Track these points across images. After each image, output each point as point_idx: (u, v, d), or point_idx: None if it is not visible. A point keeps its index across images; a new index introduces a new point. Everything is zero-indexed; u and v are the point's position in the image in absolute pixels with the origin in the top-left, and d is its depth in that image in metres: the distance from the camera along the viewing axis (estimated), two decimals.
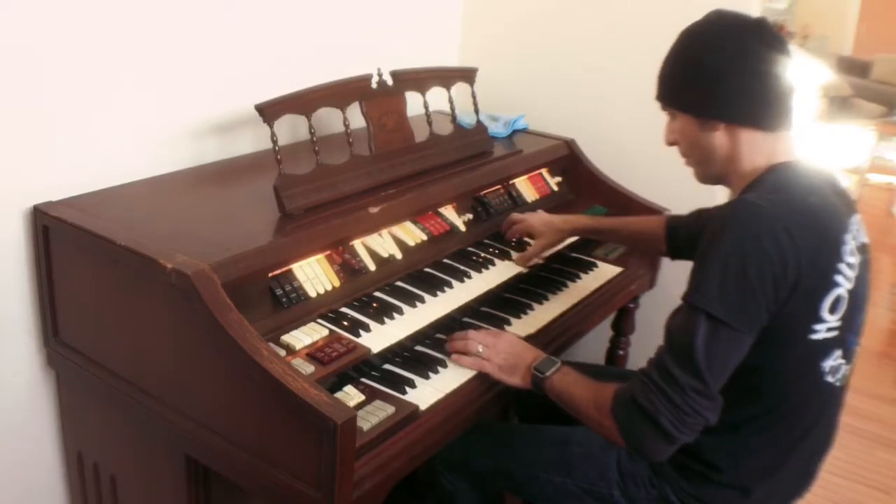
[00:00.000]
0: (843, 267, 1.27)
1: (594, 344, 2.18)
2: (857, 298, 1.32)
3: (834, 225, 1.29)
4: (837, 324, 1.29)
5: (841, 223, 1.31)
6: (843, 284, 1.28)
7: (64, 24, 1.50)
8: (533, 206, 2.05)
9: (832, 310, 1.27)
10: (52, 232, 1.49)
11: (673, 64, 1.39)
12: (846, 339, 1.33)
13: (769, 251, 1.20)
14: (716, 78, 1.32)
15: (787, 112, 1.34)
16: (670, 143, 1.45)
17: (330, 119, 1.88)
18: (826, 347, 1.30)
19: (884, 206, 5.82)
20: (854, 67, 8.08)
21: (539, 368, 1.47)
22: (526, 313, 1.74)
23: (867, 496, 2.58)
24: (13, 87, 1.45)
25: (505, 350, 1.52)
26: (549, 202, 2.11)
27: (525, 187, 2.07)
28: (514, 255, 1.85)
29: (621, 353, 2.19)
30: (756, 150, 1.35)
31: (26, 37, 1.45)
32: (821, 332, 1.28)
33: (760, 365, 1.30)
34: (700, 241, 1.29)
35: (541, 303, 1.80)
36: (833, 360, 1.32)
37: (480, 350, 1.51)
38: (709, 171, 1.43)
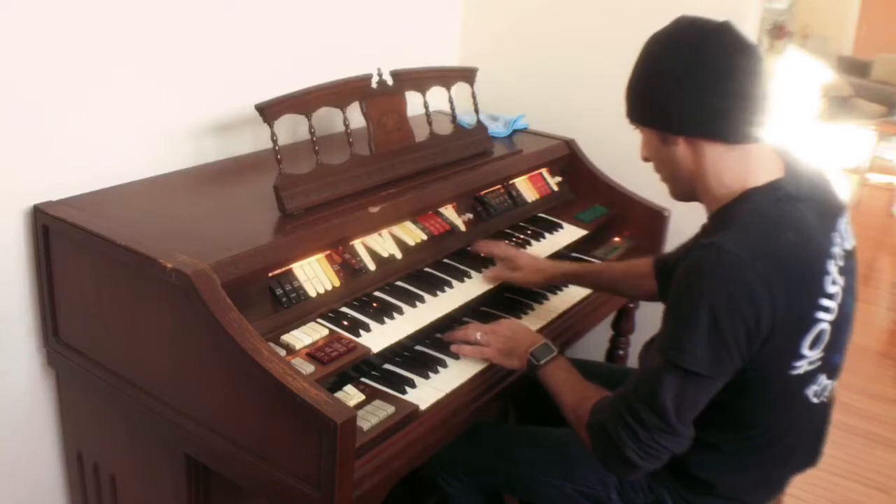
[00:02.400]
0: (825, 301, 1.24)
1: (594, 344, 2.18)
2: (842, 320, 1.30)
3: (814, 260, 1.24)
4: (820, 356, 1.27)
5: (823, 251, 1.25)
6: (825, 318, 1.25)
7: (64, 24, 1.50)
8: (533, 206, 2.05)
9: (813, 345, 1.25)
10: (52, 232, 1.49)
11: (633, 76, 1.33)
12: (830, 362, 1.31)
13: (742, 305, 1.16)
14: (670, 88, 1.25)
15: (754, 122, 1.24)
16: (644, 159, 1.38)
17: (330, 119, 1.88)
18: (809, 377, 1.29)
19: (884, 206, 5.82)
20: (854, 67, 8.07)
21: (535, 354, 1.47)
22: (526, 313, 1.75)
23: (867, 496, 2.58)
24: (13, 87, 1.45)
25: (503, 333, 1.53)
26: (549, 202, 2.12)
27: (525, 187, 2.07)
28: (486, 272, 1.75)
29: (621, 352, 2.19)
30: (723, 165, 1.27)
31: (26, 36, 1.45)
32: (802, 367, 1.26)
33: (744, 400, 1.29)
34: (672, 285, 1.25)
35: (541, 302, 1.80)
36: (818, 385, 1.31)
37: (479, 337, 1.52)
38: (678, 188, 1.37)
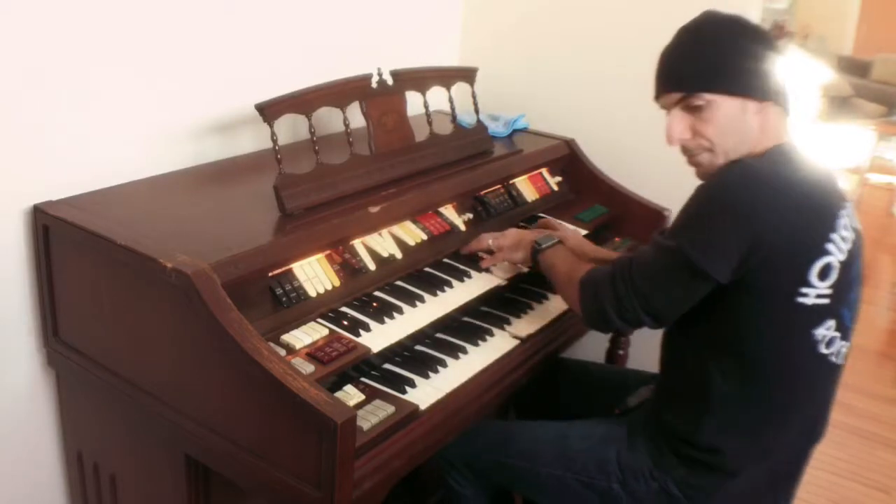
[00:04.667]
0: (836, 237, 1.30)
1: (594, 344, 2.18)
2: (850, 273, 1.34)
3: (830, 199, 1.33)
4: (828, 291, 1.31)
5: (838, 199, 1.35)
6: (835, 254, 1.30)
7: (64, 23, 1.50)
8: (533, 206, 2.05)
9: (822, 276, 1.29)
10: (52, 231, 1.50)
11: (702, 50, 1.37)
12: (839, 310, 1.34)
13: (751, 209, 1.26)
14: (753, 58, 1.35)
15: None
16: (681, 142, 1.40)
17: (330, 119, 1.88)
18: (817, 314, 1.32)
19: (884, 206, 5.82)
20: (854, 67, 8.07)
21: (538, 241, 1.66)
22: (526, 313, 1.75)
23: (867, 496, 2.58)
24: (13, 87, 1.45)
25: (511, 235, 1.74)
26: (549, 202, 2.12)
27: (525, 187, 2.07)
28: (495, 269, 1.75)
29: (621, 352, 2.19)
30: (778, 129, 1.38)
31: (26, 36, 1.45)
32: (810, 297, 1.30)
33: (752, 327, 1.33)
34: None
35: (541, 302, 1.80)
36: (825, 330, 1.33)
37: (491, 243, 1.72)
38: (730, 159, 1.39)
